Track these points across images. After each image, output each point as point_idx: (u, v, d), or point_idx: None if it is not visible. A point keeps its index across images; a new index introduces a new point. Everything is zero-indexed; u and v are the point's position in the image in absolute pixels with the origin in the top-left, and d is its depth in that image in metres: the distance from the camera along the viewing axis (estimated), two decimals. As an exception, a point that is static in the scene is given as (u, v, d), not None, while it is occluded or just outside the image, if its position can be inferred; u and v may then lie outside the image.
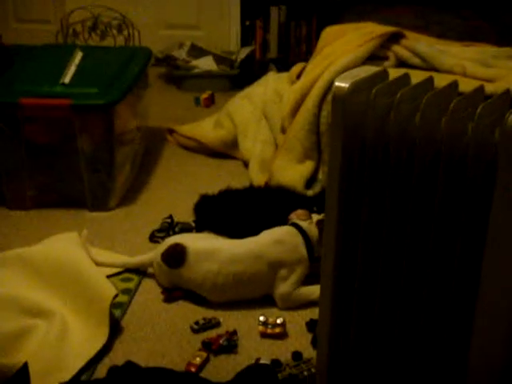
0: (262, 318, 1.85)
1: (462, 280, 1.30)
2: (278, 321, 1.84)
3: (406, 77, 1.38)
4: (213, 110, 3.44)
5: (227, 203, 2.41)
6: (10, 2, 4.44)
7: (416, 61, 2.59)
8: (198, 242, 2.02)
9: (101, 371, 1.69)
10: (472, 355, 1.32)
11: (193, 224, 2.37)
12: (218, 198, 2.47)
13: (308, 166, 2.60)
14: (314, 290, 1.93)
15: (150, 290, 2.04)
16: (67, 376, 1.64)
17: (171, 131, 3.16)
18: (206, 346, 1.77)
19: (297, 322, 1.89)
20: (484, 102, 1.23)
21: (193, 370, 1.68)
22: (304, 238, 1.99)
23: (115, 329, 1.84)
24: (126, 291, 2.01)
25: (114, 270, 2.10)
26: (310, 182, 2.60)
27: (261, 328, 1.84)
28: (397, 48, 2.63)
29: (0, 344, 1.68)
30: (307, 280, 1.98)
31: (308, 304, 1.95)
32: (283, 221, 2.08)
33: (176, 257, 1.97)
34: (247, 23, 4.22)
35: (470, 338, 1.31)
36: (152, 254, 2.07)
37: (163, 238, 2.23)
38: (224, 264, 1.95)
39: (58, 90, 2.48)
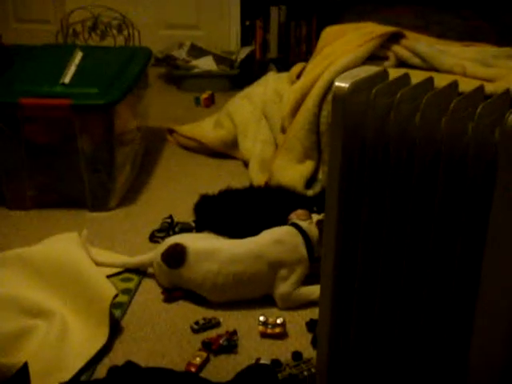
0: (262, 318, 1.85)
1: (462, 280, 1.30)
2: (278, 321, 1.84)
3: (406, 77, 1.38)
4: (213, 110, 3.44)
5: (227, 203, 2.41)
6: (10, 2, 4.44)
7: (416, 61, 2.59)
8: (197, 242, 2.02)
9: (101, 371, 1.69)
10: (472, 355, 1.32)
11: (193, 224, 2.37)
12: (218, 198, 2.47)
13: (308, 166, 2.60)
14: (313, 290, 1.93)
15: (149, 290, 2.04)
16: (67, 376, 1.64)
17: (171, 131, 3.16)
18: (206, 345, 1.77)
19: (297, 321, 1.89)
20: (484, 101, 1.23)
21: (193, 370, 1.68)
22: (304, 238, 1.99)
23: (115, 329, 1.84)
24: (126, 291, 2.01)
25: (114, 270, 2.10)
26: (310, 181, 2.60)
27: (261, 328, 1.84)
28: (397, 48, 2.63)
29: (0, 344, 1.68)
30: (307, 280, 1.98)
31: (308, 304, 1.95)
32: (283, 221, 2.08)
33: (176, 257, 1.97)
34: (247, 23, 4.22)
35: (470, 337, 1.31)
36: (152, 254, 2.07)
37: (163, 238, 2.23)
38: (224, 264, 1.95)
39: (57, 90, 2.48)
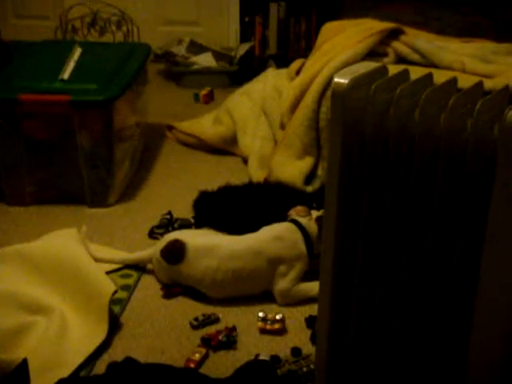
0: (261, 314, 1.85)
1: (461, 276, 1.30)
2: (278, 317, 1.84)
3: (406, 73, 1.38)
4: (212, 107, 3.43)
5: (226, 199, 2.41)
6: (9, -2, 4.44)
7: (415, 57, 2.58)
8: (197, 239, 2.02)
9: (100, 367, 1.69)
10: (471, 351, 1.32)
11: (192, 220, 2.37)
12: (217, 195, 2.47)
13: (307, 162, 2.60)
14: (313, 287, 1.93)
15: (149, 286, 2.04)
16: (66, 372, 1.65)
17: (170, 127, 3.16)
18: (206, 342, 1.77)
19: (296, 318, 1.90)
20: (483, 97, 1.23)
21: (192, 366, 1.69)
22: (303, 234, 1.99)
23: (114, 325, 1.84)
24: (125, 287, 2.01)
25: (114, 266, 2.10)
26: (310, 178, 2.60)
27: (260, 324, 1.84)
28: (396, 44, 2.63)
29: (-1, 340, 1.69)
30: (306, 276, 1.99)
31: (307, 300, 1.95)
32: (282, 217, 2.08)
33: (175, 253, 1.97)
34: (246, 19, 4.21)
35: (469, 333, 1.31)
36: (151, 250, 2.07)
37: (162, 235, 2.23)
38: (223, 260, 1.95)
39: (57, 86, 2.47)
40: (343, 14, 3.44)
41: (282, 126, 2.69)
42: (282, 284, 1.95)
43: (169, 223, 2.34)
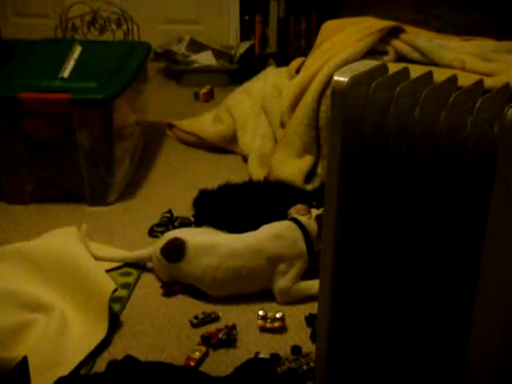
0: (261, 313, 1.85)
1: (461, 274, 1.30)
2: (278, 315, 1.84)
3: (406, 71, 1.38)
4: (212, 105, 3.43)
5: (226, 198, 2.41)
6: (9, -4, 4.44)
7: (415, 55, 2.58)
8: (197, 237, 2.02)
9: (100, 365, 1.69)
10: (471, 349, 1.32)
11: (192, 219, 2.37)
12: (217, 193, 2.47)
13: (307, 161, 2.60)
14: (313, 285, 1.93)
15: (149, 285, 2.04)
16: (66, 370, 1.65)
17: (170, 126, 3.16)
18: (206, 340, 1.77)
19: (296, 316, 1.90)
20: (483, 96, 1.23)
21: (192, 364, 1.69)
22: (303, 232, 1.99)
23: (114, 323, 1.84)
24: (125, 285, 2.02)
25: (114, 265, 2.10)
26: (309, 176, 2.60)
27: (260, 322, 1.84)
28: (396, 42, 2.63)
29: (-1, 338, 1.69)
30: (306, 274, 1.99)
31: (307, 298, 1.95)
32: (282, 215, 2.08)
33: (175, 251, 1.97)
34: (246, 18, 4.21)
35: (469, 331, 1.31)
36: (151, 249, 2.08)
37: (162, 233, 2.23)
38: (223, 258, 1.95)
39: (57, 84, 2.47)
40: (343, 13, 3.44)
41: (282, 125, 2.69)
42: (281, 282, 1.95)
43: (169, 221, 2.35)
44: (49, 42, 3.17)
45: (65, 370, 1.64)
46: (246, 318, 1.89)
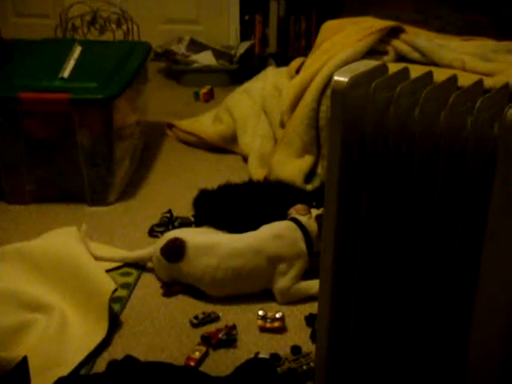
0: (261, 313, 1.85)
1: (461, 274, 1.30)
2: (277, 315, 1.84)
3: (406, 71, 1.38)
4: (212, 105, 3.44)
5: (226, 198, 2.41)
6: (9, -4, 4.44)
7: (415, 55, 2.58)
8: (197, 237, 2.02)
9: (100, 365, 1.69)
10: (471, 349, 1.32)
11: (192, 218, 2.37)
12: (217, 193, 2.47)
13: (307, 161, 2.60)
14: (313, 285, 1.93)
15: (149, 285, 2.04)
16: (66, 370, 1.65)
17: (170, 126, 3.16)
18: (206, 340, 1.77)
19: (296, 316, 1.90)
20: (483, 96, 1.23)
21: (192, 364, 1.69)
22: (303, 232, 1.99)
23: (114, 323, 1.84)
24: (125, 285, 2.02)
25: (114, 265, 2.10)
26: (309, 176, 2.60)
27: (260, 322, 1.84)
28: (396, 42, 2.63)
29: (-1, 338, 1.69)
30: (306, 274, 1.99)
31: (307, 298, 1.95)
32: (282, 215, 2.08)
33: (175, 251, 1.97)
34: (246, 18, 4.21)
35: (469, 331, 1.31)
36: (151, 249, 2.08)
37: (162, 233, 2.23)
38: (223, 258, 1.95)
39: (57, 84, 2.47)
40: (343, 13, 3.44)
41: (282, 125, 2.69)
42: (281, 282, 1.95)
43: (169, 221, 2.35)
44: (49, 41, 3.17)
45: (65, 370, 1.64)
46: (245, 318, 1.89)
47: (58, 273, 1.96)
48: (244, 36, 4.22)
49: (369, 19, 2.82)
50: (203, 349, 1.74)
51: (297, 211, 2.05)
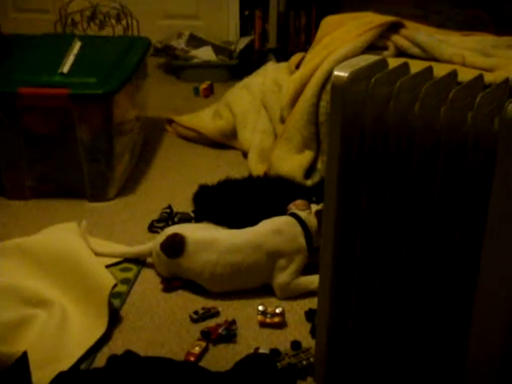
0: (261, 308, 1.85)
1: (461, 269, 1.30)
2: (277, 310, 1.84)
3: (405, 66, 1.37)
4: (212, 101, 3.43)
5: (226, 193, 2.41)
6: (9, -9, 4.43)
7: (415, 51, 2.58)
8: (196, 232, 2.02)
9: (100, 360, 1.69)
10: (471, 344, 1.32)
11: (192, 214, 2.37)
12: (216, 188, 2.47)
13: (307, 156, 2.59)
14: (312, 280, 1.93)
15: (149, 280, 2.04)
16: (67, 365, 1.65)
17: (170, 121, 3.16)
18: (205, 335, 1.77)
19: (296, 311, 1.90)
20: (483, 91, 1.23)
21: (192, 359, 1.69)
22: (303, 228, 1.99)
23: (114, 318, 1.84)
24: (125, 281, 2.02)
25: (113, 260, 2.10)
26: (309, 171, 2.60)
27: (260, 317, 1.84)
28: (396, 38, 2.63)
29: (0, 333, 1.69)
30: (306, 270, 1.99)
31: (307, 294, 1.95)
32: (282, 211, 2.08)
33: (175, 247, 1.97)
34: (246, 13, 4.20)
35: (469, 327, 1.31)
36: (151, 244, 2.08)
37: (162, 228, 2.23)
38: (223, 254, 1.95)
39: (56, 79, 2.47)
40: (343, 8, 3.44)
41: (282, 120, 2.69)
42: (281, 278, 1.95)
43: (169, 217, 2.35)
44: (48, 37, 3.16)
45: (65, 365, 1.64)
46: (245, 313, 1.89)
47: (58, 268, 1.96)
48: (244, 31, 4.21)
49: (369, 14, 2.81)
50: (203, 344, 1.74)
51: (296, 206, 2.05)
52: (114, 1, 3.87)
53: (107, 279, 1.87)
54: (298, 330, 1.83)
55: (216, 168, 2.77)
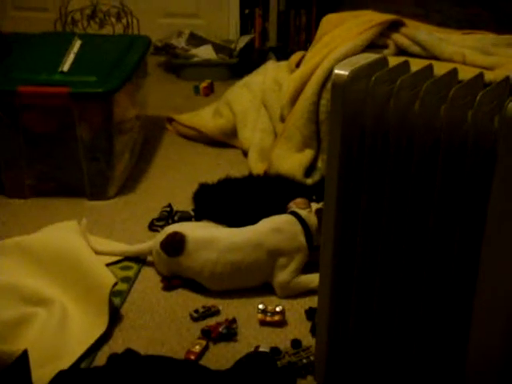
0: (261, 306, 1.85)
1: (461, 268, 1.30)
2: (278, 309, 1.84)
3: (406, 64, 1.37)
4: (212, 99, 3.43)
5: (226, 192, 2.41)
6: (8, -11, 4.42)
7: (416, 49, 2.58)
8: (196, 231, 2.02)
9: (100, 359, 1.69)
10: (471, 347, 1.32)
11: (192, 213, 2.37)
12: (217, 187, 2.47)
13: (307, 155, 2.59)
14: (313, 279, 1.93)
15: (149, 279, 2.04)
16: (67, 363, 1.65)
17: (170, 120, 3.16)
18: (206, 333, 1.77)
19: (296, 310, 1.90)
20: (483, 89, 1.23)
21: (192, 357, 1.69)
22: (303, 226, 1.99)
23: (115, 317, 1.84)
24: (125, 279, 2.02)
25: (114, 259, 2.10)
26: (309, 170, 2.60)
27: (260, 316, 1.84)
28: (396, 36, 2.63)
29: (0, 331, 1.69)
30: (306, 268, 1.99)
31: (307, 292, 1.95)
32: (282, 209, 2.08)
33: (175, 245, 1.97)
34: (246, 11, 4.20)
35: (469, 326, 1.31)
36: (151, 243, 2.08)
37: (162, 227, 2.23)
38: (223, 252, 1.95)
39: (56, 78, 2.47)
40: (343, 6, 3.44)
41: (282, 119, 2.69)
42: (281, 276, 1.95)
43: (169, 216, 2.34)
44: (48, 35, 3.16)
45: (65, 364, 1.64)
46: (246, 311, 1.89)
47: (58, 267, 1.96)
48: (244, 30, 4.21)
49: (369, 13, 2.81)
50: (203, 342, 1.74)
51: (297, 205, 2.05)
52: (114, -1, 3.88)
53: (107, 278, 1.87)
54: (299, 328, 1.83)
55: (216, 167, 2.77)
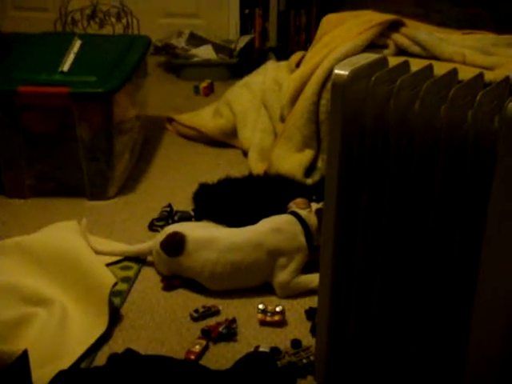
0: (261, 306, 1.85)
1: (461, 268, 1.30)
2: (278, 309, 1.84)
3: (406, 64, 1.37)
4: (212, 99, 3.43)
5: (226, 192, 2.41)
6: (8, -11, 4.42)
7: (416, 49, 2.58)
8: (196, 231, 2.02)
9: (100, 359, 1.69)
10: (471, 347, 1.32)
11: (192, 213, 2.37)
12: (217, 187, 2.47)
13: (307, 155, 2.59)
14: (313, 279, 1.93)
15: (149, 279, 2.04)
16: (67, 363, 1.65)
17: (170, 120, 3.16)
18: (206, 333, 1.77)
19: (296, 310, 1.90)
20: (483, 89, 1.23)
21: (192, 357, 1.69)
22: (303, 226, 1.99)
23: (115, 317, 1.84)
24: (125, 279, 2.02)
25: (114, 259, 2.10)
26: (309, 170, 2.60)
27: (260, 316, 1.84)
28: (396, 36, 2.63)
29: (0, 331, 1.69)
30: (306, 268, 1.99)
31: (307, 292, 1.95)
32: (282, 209, 2.08)
33: (175, 245, 1.97)
34: (246, 11, 4.20)
35: (468, 328, 1.31)
36: (151, 243, 2.08)
37: (162, 227, 2.23)
38: (222, 253, 1.95)
39: (56, 78, 2.47)
40: (343, 6, 3.44)
41: (282, 119, 2.69)
42: (281, 276, 1.95)
43: (169, 216, 2.34)
44: (48, 35, 3.16)
45: (65, 364, 1.64)
46: (246, 311, 1.89)
47: (58, 266, 1.96)
48: (244, 30, 4.21)
49: (369, 13, 2.81)
50: (203, 342, 1.74)
51: (297, 205, 2.05)
52: (114, -1, 3.88)
53: (107, 277, 1.87)
54: (299, 328, 1.83)
55: (216, 167, 2.77)
